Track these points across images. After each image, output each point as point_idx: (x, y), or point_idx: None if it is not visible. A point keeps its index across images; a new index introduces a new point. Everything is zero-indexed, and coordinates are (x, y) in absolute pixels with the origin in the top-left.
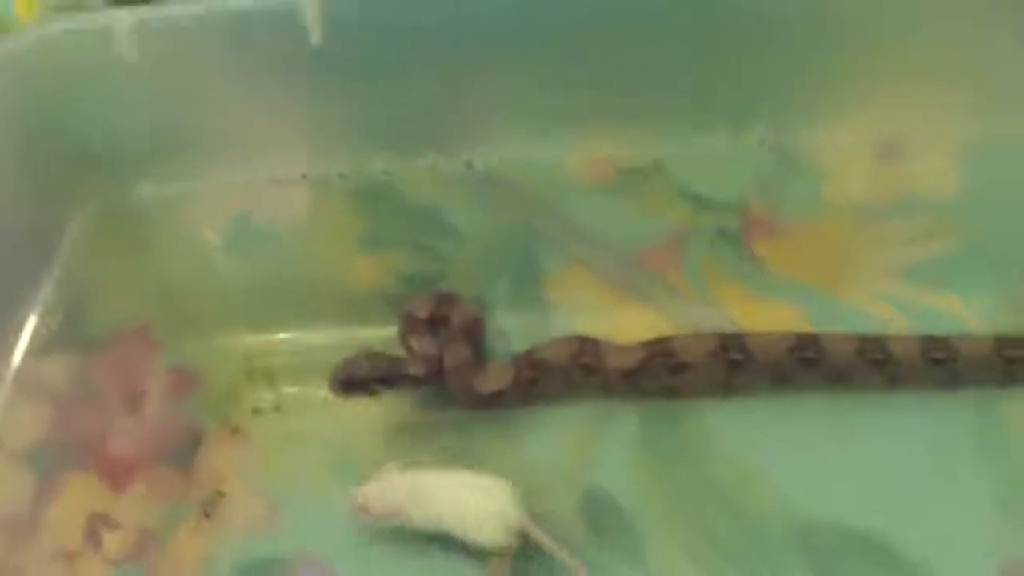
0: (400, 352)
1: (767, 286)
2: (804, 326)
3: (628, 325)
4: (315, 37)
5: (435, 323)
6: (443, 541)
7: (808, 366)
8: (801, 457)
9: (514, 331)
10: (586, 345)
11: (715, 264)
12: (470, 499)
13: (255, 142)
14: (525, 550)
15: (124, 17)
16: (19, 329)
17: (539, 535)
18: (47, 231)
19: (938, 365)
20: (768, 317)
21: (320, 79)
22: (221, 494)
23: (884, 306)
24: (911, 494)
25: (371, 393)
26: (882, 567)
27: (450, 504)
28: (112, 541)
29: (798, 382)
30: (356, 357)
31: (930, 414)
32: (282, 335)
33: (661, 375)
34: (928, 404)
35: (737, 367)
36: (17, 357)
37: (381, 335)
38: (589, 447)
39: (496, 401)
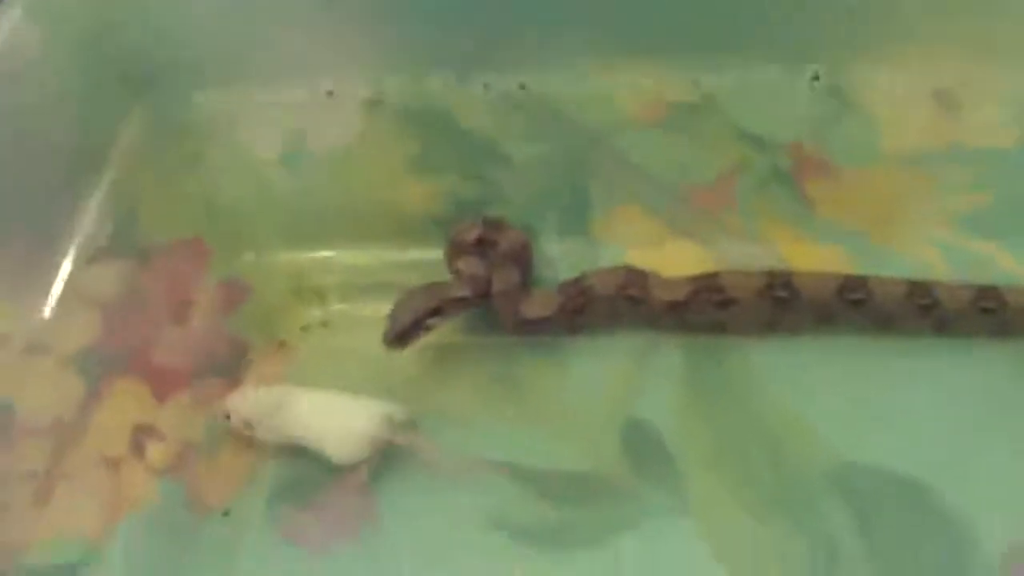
0: (444, 277)
1: (816, 228)
2: (851, 269)
3: (675, 260)
4: None
5: (483, 247)
6: (488, 469)
7: (855, 308)
8: (845, 399)
9: (561, 260)
10: (633, 276)
11: (765, 203)
12: (336, 418)
13: (312, 58)
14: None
15: None
16: (71, 236)
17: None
18: (102, 140)
19: (987, 314)
20: (816, 258)
21: None
22: None
23: (933, 253)
24: (955, 443)
25: (426, 330)
26: (922, 514)
27: (315, 420)
28: (155, 451)
29: (844, 324)
30: (398, 306)
31: (977, 363)
32: (332, 253)
33: (707, 310)
34: (975, 353)
35: (784, 305)
36: (69, 263)
37: (430, 257)
38: (633, 378)
39: (541, 327)
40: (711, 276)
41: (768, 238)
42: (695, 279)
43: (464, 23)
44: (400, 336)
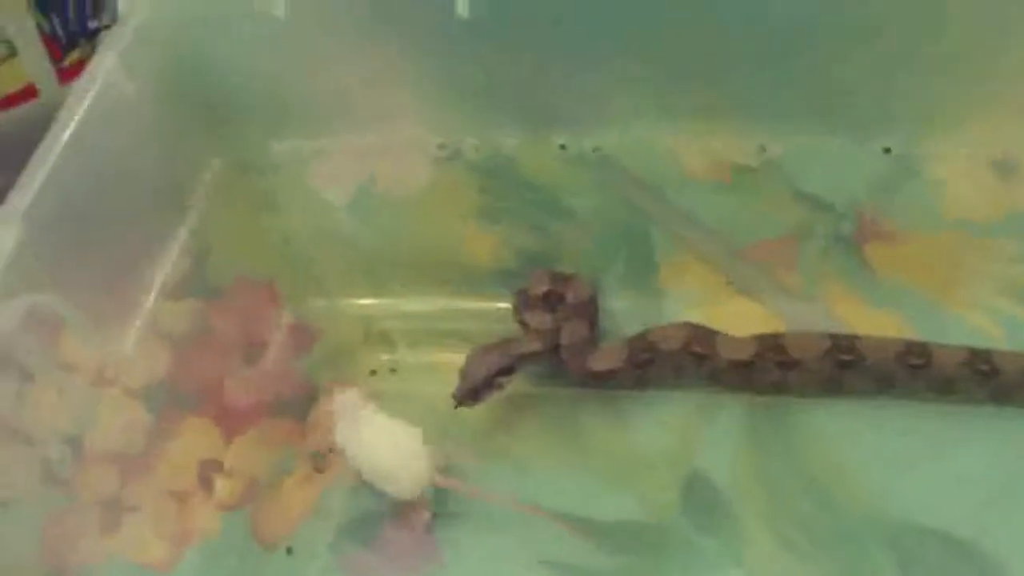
0: (509, 327)
1: (876, 291)
2: (909, 334)
3: (736, 318)
4: (461, 8)
5: (550, 300)
6: (549, 517)
7: (915, 372)
8: (902, 461)
9: (622, 314)
10: (700, 333)
11: (826, 266)
12: (383, 450)
13: (387, 107)
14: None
15: None
16: (151, 273)
17: (450, 483)
18: (184, 182)
19: None
20: (874, 322)
21: (461, 51)
22: (331, 450)
23: (990, 322)
24: (1006, 509)
25: (499, 388)
26: (969, 570)
27: (366, 453)
28: (223, 486)
29: (904, 388)
30: (469, 362)
31: None
32: (400, 300)
33: (771, 370)
34: None
35: (846, 368)
36: (149, 299)
37: (494, 306)
38: (694, 433)
39: (608, 380)
40: (776, 337)
41: (827, 299)
42: (760, 339)
43: (540, 84)
44: (472, 393)
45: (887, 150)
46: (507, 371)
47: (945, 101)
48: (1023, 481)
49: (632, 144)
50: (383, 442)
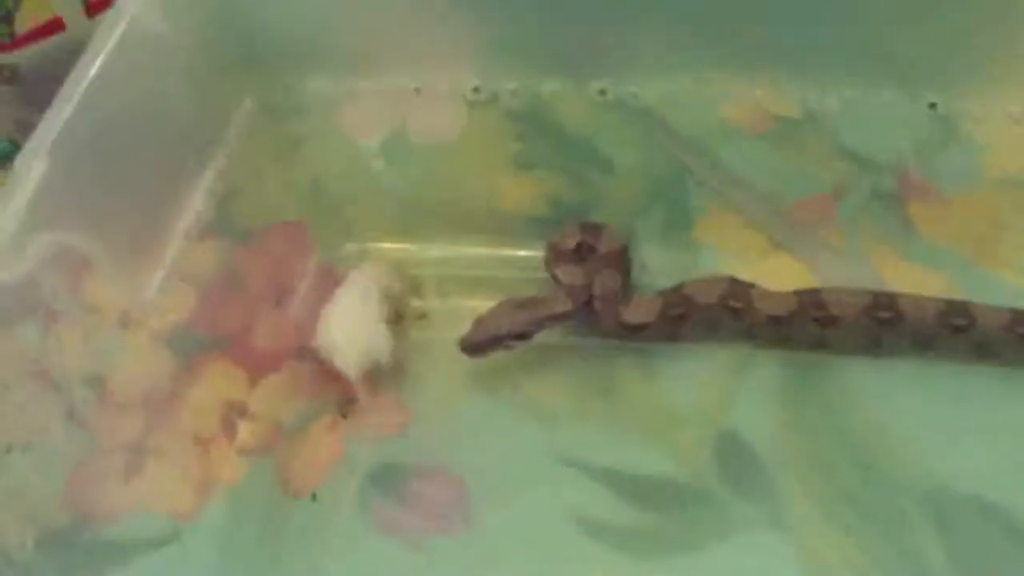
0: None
1: (917, 249)
2: (951, 294)
3: (774, 273)
4: None
5: (581, 252)
6: (580, 472)
7: (955, 333)
8: (941, 422)
9: (659, 267)
10: (737, 288)
11: (867, 222)
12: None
13: (422, 49)
14: None
15: None
16: (179, 216)
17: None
18: (214, 123)
19: None
20: (915, 280)
21: None
22: (358, 397)
23: None
24: None
25: (506, 348)
26: (1010, 540)
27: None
28: (246, 431)
29: (944, 348)
30: (490, 313)
31: None
32: (431, 246)
33: (809, 326)
34: None
35: (886, 326)
36: (176, 240)
37: (526, 255)
38: (728, 389)
39: (641, 333)
40: (814, 292)
41: (868, 256)
42: (799, 294)
43: (580, 30)
44: (476, 347)
45: (932, 105)
46: (522, 337)
47: (992, 57)
48: None
49: (672, 94)
50: (345, 312)
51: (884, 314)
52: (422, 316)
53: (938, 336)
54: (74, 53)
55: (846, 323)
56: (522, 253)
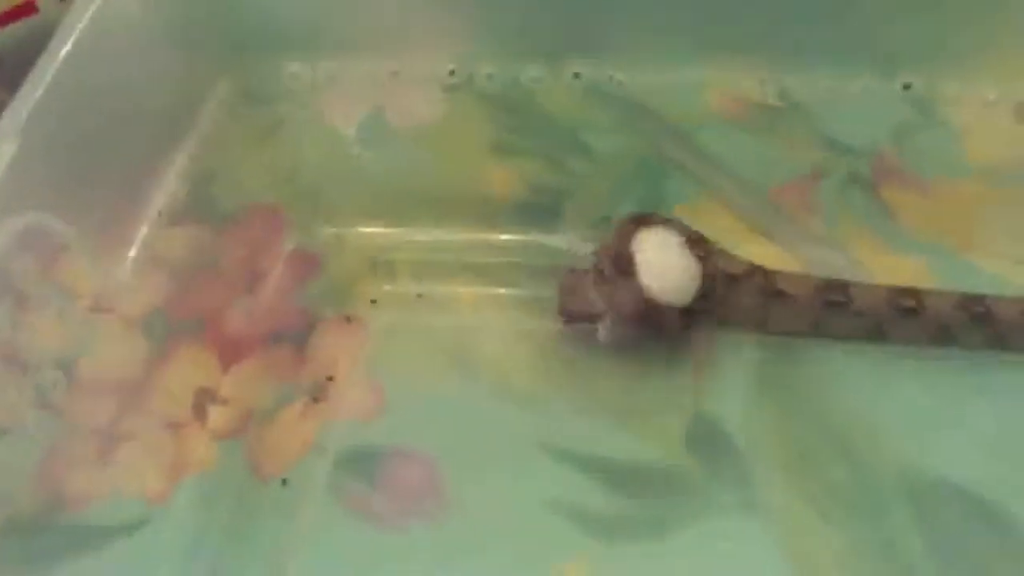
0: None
1: (895, 236)
2: (930, 280)
3: (753, 259)
4: None
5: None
6: (555, 456)
7: (905, 315)
8: (920, 411)
9: None
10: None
11: (846, 208)
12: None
13: (400, 35)
14: None
15: None
16: (153, 199)
17: None
18: (187, 105)
19: None
20: (894, 267)
21: None
22: (330, 380)
23: (1012, 270)
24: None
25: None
26: (988, 529)
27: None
28: (218, 415)
29: (895, 333)
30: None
31: None
32: (407, 231)
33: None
34: None
35: (838, 309)
36: (149, 224)
37: (506, 239)
38: (704, 375)
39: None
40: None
41: (846, 242)
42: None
43: (557, 13)
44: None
45: (907, 86)
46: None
47: (968, 42)
48: None
49: (651, 80)
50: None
51: (836, 298)
52: (394, 300)
53: (888, 321)
54: (47, 36)
55: (797, 301)
56: (501, 237)
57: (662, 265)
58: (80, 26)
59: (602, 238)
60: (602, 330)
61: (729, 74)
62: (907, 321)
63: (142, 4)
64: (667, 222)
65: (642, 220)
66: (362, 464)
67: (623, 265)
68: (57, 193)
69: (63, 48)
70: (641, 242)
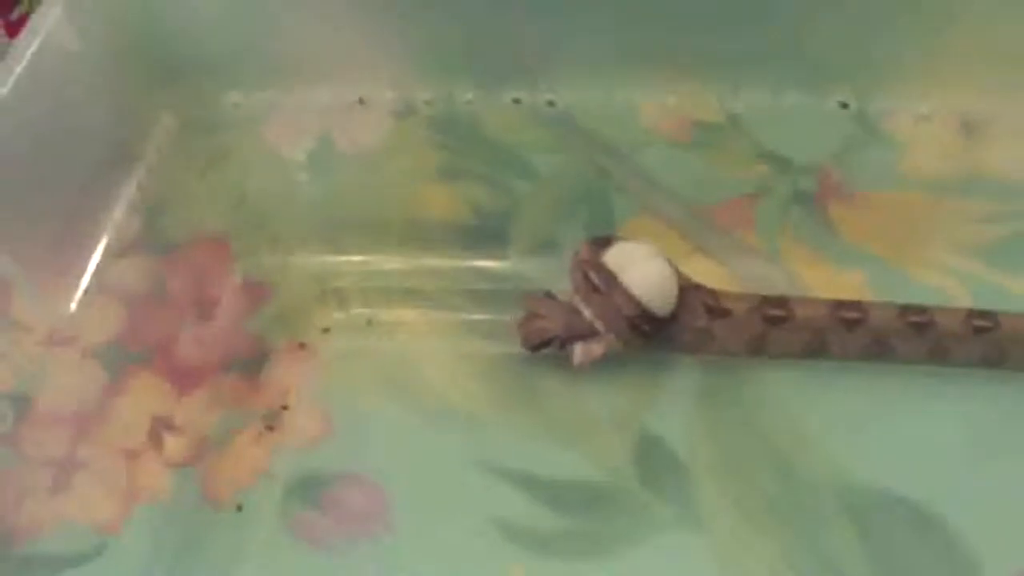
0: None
1: (838, 251)
2: (870, 294)
3: (696, 277)
4: None
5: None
6: (499, 477)
7: (851, 328)
8: (854, 423)
9: None
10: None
11: (787, 224)
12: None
13: (343, 65)
14: None
15: None
16: (101, 230)
17: None
18: (134, 137)
19: (980, 334)
20: (836, 282)
21: (415, 5)
22: (284, 408)
23: (952, 282)
24: (960, 470)
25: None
26: (923, 536)
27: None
28: (173, 444)
29: (834, 346)
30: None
31: (984, 391)
32: (356, 257)
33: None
34: (982, 381)
35: (777, 324)
36: (97, 258)
37: (452, 264)
38: (647, 393)
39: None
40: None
41: (788, 259)
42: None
43: (495, 39)
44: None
45: (844, 105)
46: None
47: (903, 56)
48: (984, 443)
49: (589, 101)
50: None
51: (775, 312)
52: (346, 326)
53: (829, 333)
54: None
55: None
56: (447, 262)
57: (649, 275)
58: (22, 63)
59: (573, 258)
60: (578, 351)
61: (670, 94)
62: (850, 334)
63: (83, 40)
64: (628, 240)
65: (605, 241)
66: (312, 490)
67: (607, 279)
68: (4, 232)
69: (4, 86)
70: (617, 256)
